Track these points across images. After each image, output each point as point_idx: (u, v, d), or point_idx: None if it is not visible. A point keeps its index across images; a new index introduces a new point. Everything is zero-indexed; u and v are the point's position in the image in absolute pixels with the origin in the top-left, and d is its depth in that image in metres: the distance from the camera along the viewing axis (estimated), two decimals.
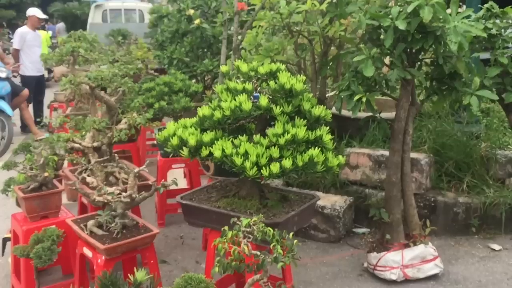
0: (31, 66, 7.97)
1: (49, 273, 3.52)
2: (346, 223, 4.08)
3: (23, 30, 8.11)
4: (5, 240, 3.58)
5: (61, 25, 22.67)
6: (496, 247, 3.91)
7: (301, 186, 4.37)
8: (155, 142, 6.06)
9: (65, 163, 4.11)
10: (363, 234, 4.15)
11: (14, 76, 7.99)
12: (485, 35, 3.03)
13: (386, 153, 4.00)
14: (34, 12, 8.09)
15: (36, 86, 8.16)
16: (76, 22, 21.87)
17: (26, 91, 7.77)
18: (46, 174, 3.13)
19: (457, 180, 4.23)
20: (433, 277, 3.43)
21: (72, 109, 5.82)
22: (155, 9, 8.17)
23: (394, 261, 3.35)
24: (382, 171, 4.15)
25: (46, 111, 8.27)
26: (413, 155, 3.96)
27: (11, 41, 20.66)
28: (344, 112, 3.74)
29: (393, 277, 3.36)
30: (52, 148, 3.35)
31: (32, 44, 7.99)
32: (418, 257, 3.37)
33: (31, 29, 8.09)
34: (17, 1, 28.02)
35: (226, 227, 2.04)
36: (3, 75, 7.10)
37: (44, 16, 8.27)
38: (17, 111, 7.65)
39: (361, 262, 3.67)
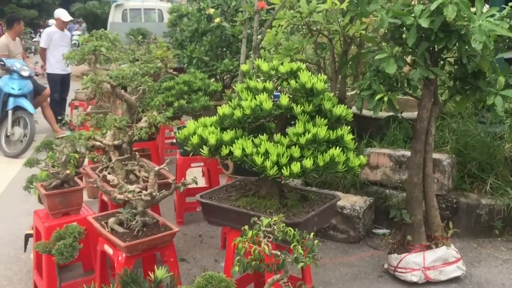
0: (57, 65, 8.08)
1: (70, 269, 3.56)
2: (366, 223, 4.04)
3: (51, 30, 8.28)
4: (28, 236, 3.63)
5: (84, 26, 23.13)
6: None
7: (320, 186, 4.34)
8: (174, 140, 6.09)
9: (86, 161, 4.15)
10: (383, 235, 4.10)
11: (37, 75, 8.11)
12: (510, 34, 2.97)
13: (407, 153, 3.95)
14: (59, 15, 8.21)
15: (61, 84, 8.29)
16: (97, 21, 22.18)
17: (47, 91, 7.89)
18: (67, 171, 3.16)
19: (480, 181, 4.16)
20: (455, 280, 3.37)
21: (93, 108, 5.89)
22: (175, 9, 8.21)
23: (415, 263, 3.31)
24: (403, 171, 4.10)
25: (67, 110, 8.39)
26: (435, 155, 3.90)
27: (33, 40, 21.08)
28: (365, 112, 3.71)
29: (414, 279, 3.31)
30: (73, 146, 3.38)
31: (58, 44, 8.11)
32: (440, 259, 3.32)
33: (59, 29, 8.24)
34: (39, 0, 28.48)
35: (246, 227, 2.03)
36: (26, 73, 7.22)
37: (69, 19, 8.40)
38: (38, 109, 7.78)
39: (381, 263, 3.63)
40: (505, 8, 3.37)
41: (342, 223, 4.01)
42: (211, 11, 6.30)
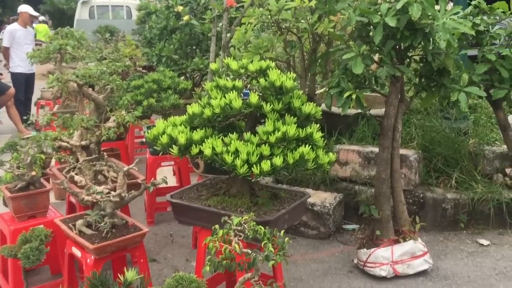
0: (22, 64, 7.81)
1: (37, 273, 3.48)
2: (336, 219, 4.09)
3: (13, 28, 7.95)
4: None
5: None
6: (485, 242, 3.95)
7: (291, 183, 4.37)
8: (143, 140, 6.02)
9: (53, 161, 4.07)
10: (353, 230, 4.16)
11: (0, 74, 7.88)
12: (473, 32, 3.05)
13: (376, 149, 4.01)
14: (26, 9, 7.94)
15: (25, 84, 8.05)
16: (63, 18, 21.75)
17: (12, 90, 7.66)
18: (33, 173, 3.09)
19: (446, 176, 4.26)
20: (423, 273, 3.45)
21: (59, 107, 5.76)
22: (143, 6, 8.11)
23: (384, 257, 3.37)
24: (371, 167, 4.16)
25: (33, 109, 8.18)
26: (402, 151, 3.97)
27: None
28: (334, 109, 3.74)
29: (383, 273, 3.37)
30: (39, 146, 3.31)
31: (23, 42, 7.83)
32: (408, 253, 3.38)
33: (22, 26, 7.94)
34: None
35: (217, 226, 2.03)
36: None
37: (36, 14, 8.13)
38: (3, 109, 7.56)
39: (351, 259, 3.68)
40: (469, 5, 3.47)
41: (313, 220, 4.05)
42: (180, 8, 6.25)
